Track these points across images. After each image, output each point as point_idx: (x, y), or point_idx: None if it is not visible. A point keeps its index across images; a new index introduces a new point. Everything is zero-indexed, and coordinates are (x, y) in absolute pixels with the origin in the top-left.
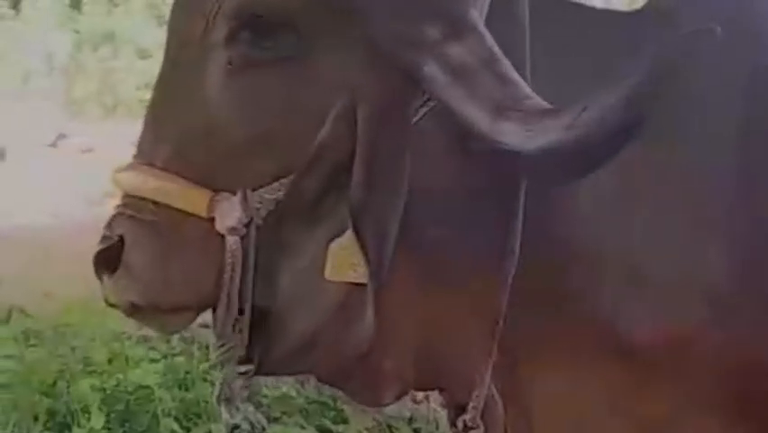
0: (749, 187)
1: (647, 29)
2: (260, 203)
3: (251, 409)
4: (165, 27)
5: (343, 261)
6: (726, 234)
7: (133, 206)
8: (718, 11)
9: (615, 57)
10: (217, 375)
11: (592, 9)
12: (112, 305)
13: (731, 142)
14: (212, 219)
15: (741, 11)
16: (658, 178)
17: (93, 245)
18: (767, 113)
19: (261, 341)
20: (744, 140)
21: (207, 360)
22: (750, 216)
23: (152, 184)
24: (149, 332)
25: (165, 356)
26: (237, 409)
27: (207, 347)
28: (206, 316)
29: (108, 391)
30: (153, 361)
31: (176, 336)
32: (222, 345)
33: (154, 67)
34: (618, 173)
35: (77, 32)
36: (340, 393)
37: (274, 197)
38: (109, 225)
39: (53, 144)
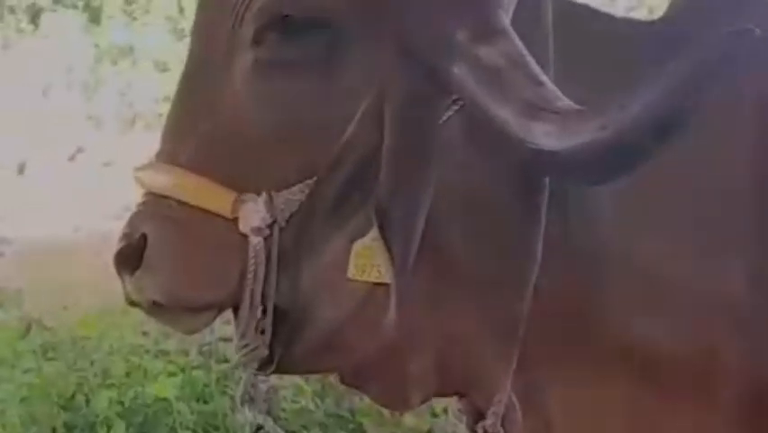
0: (766, 198)
1: (665, 38)
2: (285, 204)
3: (270, 421)
4: (184, 41)
5: (367, 261)
6: (747, 246)
7: (155, 204)
8: (738, 23)
9: (634, 66)
10: (238, 379)
11: (612, 17)
12: (133, 303)
13: (751, 152)
14: (235, 219)
15: (759, 22)
16: (677, 191)
17: (112, 259)
18: None
19: (283, 339)
20: (759, 150)
21: (226, 374)
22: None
23: (176, 182)
24: (167, 345)
25: (183, 369)
26: (259, 410)
27: (226, 360)
28: (226, 330)
29: (126, 405)
30: (172, 374)
31: (194, 350)
32: (244, 346)
33: (173, 80)
34: (637, 186)
35: (97, 45)
36: (359, 407)
37: (298, 198)
38: (130, 223)
39: (72, 158)
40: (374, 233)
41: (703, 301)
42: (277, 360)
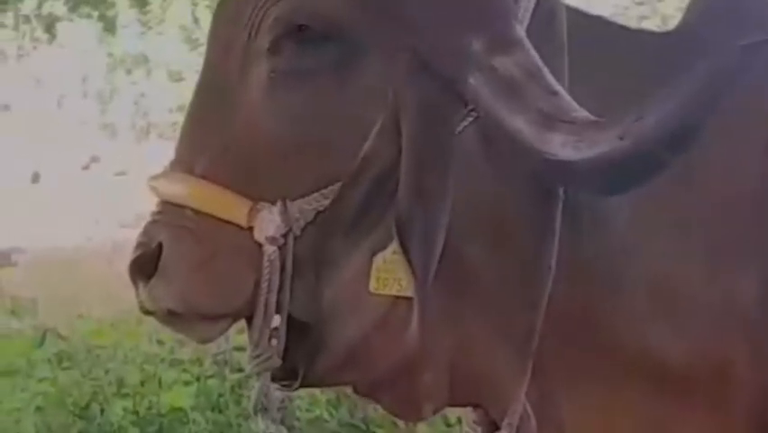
0: None
1: (680, 49)
2: (300, 213)
3: (284, 431)
4: (198, 50)
5: (388, 275)
6: (759, 256)
7: (171, 213)
8: (753, 34)
9: (648, 76)
10: (252, 388)
11: (626, 28)
12: (148, 312)
13: (760, 161)
14: (250, 228)
15: None
16: (689, 201)
17: (126, 268)
18: None
19: (305, 353)
20: None
21: (240, 383)
22: None
23: (191, 191)
24: (181, 355)
25: (198, 379)
26: (273, 419)
27: (241, 370)
28: (241, 339)
29: (141, 414)
30: (186, 383)
31: (208, 359)
32: (257, 356)
33: (187, 90)
34: (650, 196)
35: (111, 54)
36: (373, 417)
37: (313, 207)
38: (145, 232)
39: (86, 167)
40: (395, 246)
41: (716, 311)
42: (301, 375)
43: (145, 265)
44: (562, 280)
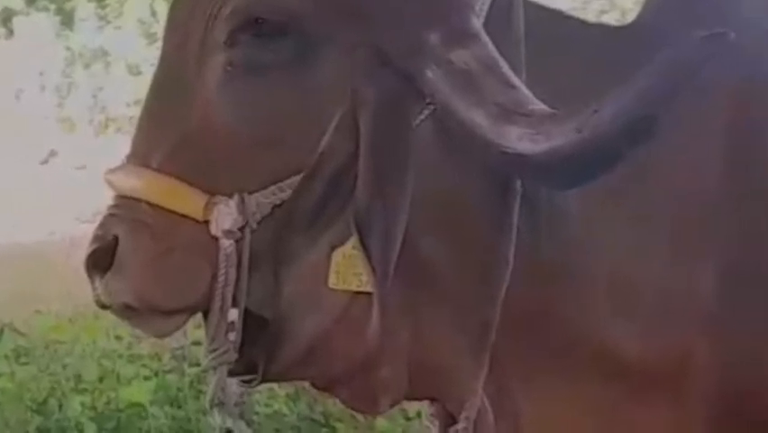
0: (736, 200)
1: (638, 42)
2: (257, 207)
3: (242, 425)
4: (157, 44)
5: (347, 270)
6: (714, 248)
7: (127, 207)
8: (709, 27)
9: (606, 70)
10: (210, 383)
11: (584, 22)
12: (104, 306)
13: (723, 154)
14: (207, 222)
15: (729, 26)
16: (647, 195)
17: (82, 262)
18: (751, 125)
19: (264, 348)
20: (730, 152)
21: (199, 378)
22: (738, 230)
23: (147, 185)
24: (140, 350)
25: (156, 374)
26: (230, 414)
27: (199, 364)
28: (200, 333)
29: (99, 409)
30: (145, 378)
31: (167, 354)
32: (214, 350)
33: (145, 84)
34: (606, 190)
35: (69, 48)
36: (332, 411)
37: (270, 201)
38: (102, 225)
39: (44, 162)
40: (354, 241)
41: (675, 305)
42: (261, 370)
43: (101, 259)
44: (519, 274)
